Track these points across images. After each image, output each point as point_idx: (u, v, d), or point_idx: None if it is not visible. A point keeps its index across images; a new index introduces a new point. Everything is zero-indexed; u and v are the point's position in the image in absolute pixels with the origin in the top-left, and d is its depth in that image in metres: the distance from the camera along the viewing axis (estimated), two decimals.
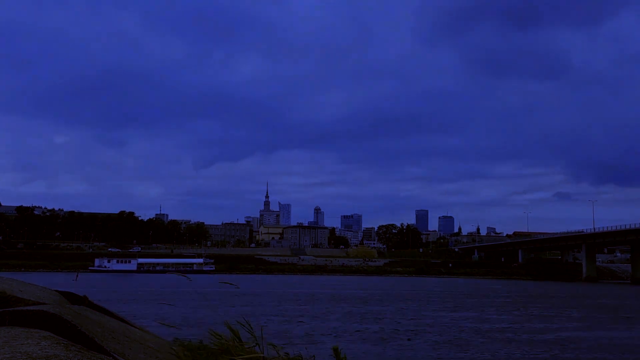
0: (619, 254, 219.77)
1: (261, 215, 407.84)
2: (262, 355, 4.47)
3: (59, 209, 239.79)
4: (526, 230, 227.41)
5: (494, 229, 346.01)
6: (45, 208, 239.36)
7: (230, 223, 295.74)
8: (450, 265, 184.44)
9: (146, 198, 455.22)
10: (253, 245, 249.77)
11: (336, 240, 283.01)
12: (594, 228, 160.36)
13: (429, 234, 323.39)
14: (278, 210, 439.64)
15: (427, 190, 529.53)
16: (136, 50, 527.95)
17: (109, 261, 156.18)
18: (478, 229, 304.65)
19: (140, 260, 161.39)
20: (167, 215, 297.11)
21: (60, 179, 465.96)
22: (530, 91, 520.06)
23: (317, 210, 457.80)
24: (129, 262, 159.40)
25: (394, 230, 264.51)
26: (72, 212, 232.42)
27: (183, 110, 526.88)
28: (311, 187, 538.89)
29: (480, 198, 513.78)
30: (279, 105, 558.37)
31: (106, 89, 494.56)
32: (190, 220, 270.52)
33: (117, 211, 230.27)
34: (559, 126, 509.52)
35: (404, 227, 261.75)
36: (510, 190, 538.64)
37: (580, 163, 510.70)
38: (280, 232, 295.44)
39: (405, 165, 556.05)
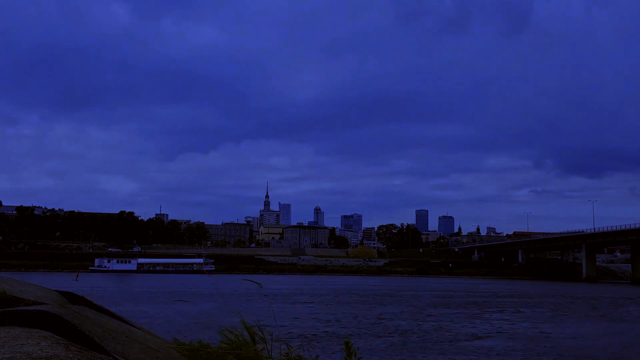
0: (619, 254, 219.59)
1: (261, 215, 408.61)
2: (265, 356, 4.44)
3: (59, 209, 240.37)
4: (526, 230, 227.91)
5: (494, 229, 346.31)
6: (45, 208, 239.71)
7: (230, 223, 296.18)
8: (451, 265, 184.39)
9: (121, 193, 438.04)
10: (253, 245, 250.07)
11: (336, 240, 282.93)
12: (594, 228, 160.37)
13: (429, 234, 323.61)
14: (278, 210, 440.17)
15: (418, 185, 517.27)
16: (75, 20, 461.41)
17: (109, 261, 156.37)
18: (478, 229, 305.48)
19: (140, 260, 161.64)
20: (167, 215, 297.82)
21: (24, 174, 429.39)
22: (499, 48, 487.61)
23: (317, 210, 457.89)
24: (129, 262, 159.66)
25: (394, 230, 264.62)
26: (72, 212, 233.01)
27: (139, 93, 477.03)
28: (293, 182, 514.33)
29: (475, 194, 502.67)
30: (244, 86, 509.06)
31: (46, 66, 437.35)
32: (190, 220, 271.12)
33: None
34: (533, 108, 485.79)
35: (404, 227, 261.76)
36: (505, 185, 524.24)
37: (565, 155, 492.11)
38: (281, 232, 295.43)
39: (390, 157, 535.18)
